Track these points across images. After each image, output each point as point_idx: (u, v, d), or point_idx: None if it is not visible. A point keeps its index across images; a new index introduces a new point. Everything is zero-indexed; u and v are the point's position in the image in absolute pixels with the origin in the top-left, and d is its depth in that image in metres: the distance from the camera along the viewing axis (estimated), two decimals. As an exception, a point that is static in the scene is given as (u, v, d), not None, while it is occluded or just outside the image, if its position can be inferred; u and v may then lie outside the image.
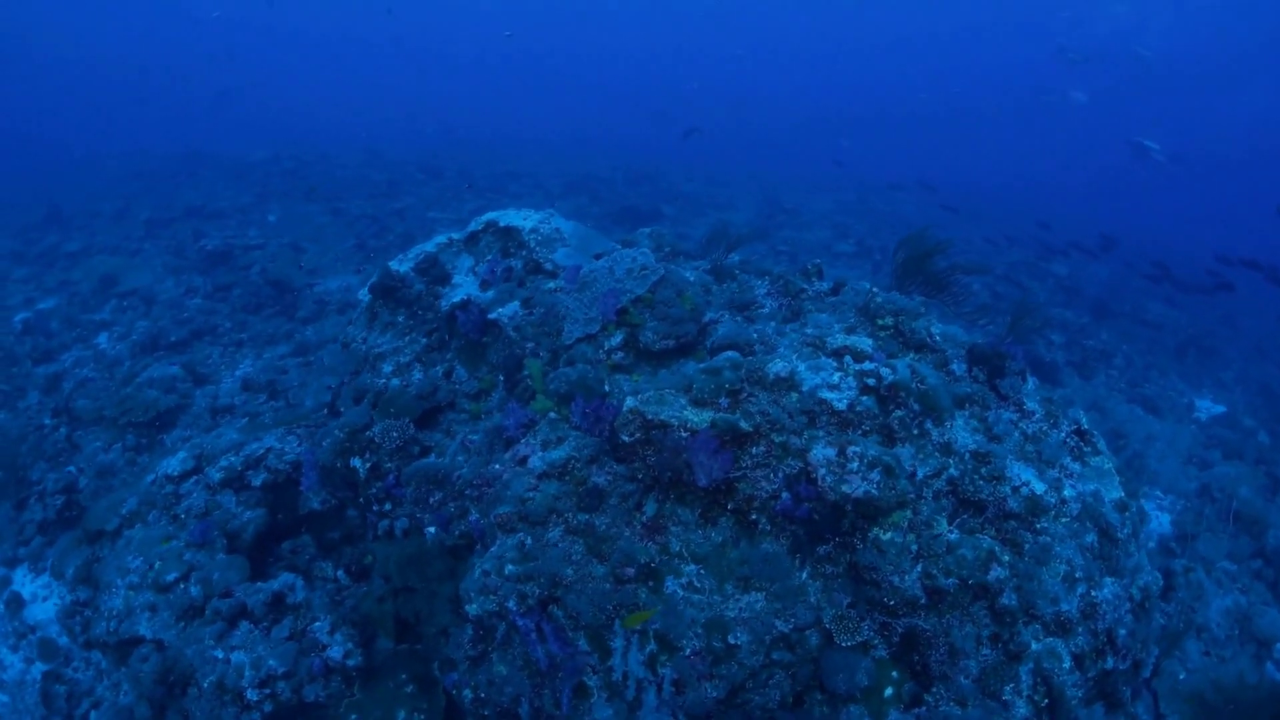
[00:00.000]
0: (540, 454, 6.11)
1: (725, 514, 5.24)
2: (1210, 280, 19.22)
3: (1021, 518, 5.05)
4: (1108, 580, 5.05)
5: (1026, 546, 4.92)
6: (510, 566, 5.66)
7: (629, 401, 5.33)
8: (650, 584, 5.12)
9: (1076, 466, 5.56)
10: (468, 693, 5.90)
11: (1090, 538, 5.14)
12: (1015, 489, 5.15)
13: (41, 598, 7.72)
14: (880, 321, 6.76)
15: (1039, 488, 5.17)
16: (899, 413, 5.48)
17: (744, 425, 5.14)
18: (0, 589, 7.86)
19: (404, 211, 23.81)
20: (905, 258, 8.48)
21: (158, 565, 6.96)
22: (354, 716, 6.46)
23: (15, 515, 8.38)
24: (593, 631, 5.23)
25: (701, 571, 5.09)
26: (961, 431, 5.62)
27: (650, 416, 5.15)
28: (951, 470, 5.29)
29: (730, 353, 5.81)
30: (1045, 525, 5.02)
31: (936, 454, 5.39)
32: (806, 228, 26.08)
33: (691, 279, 8.18)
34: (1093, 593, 4.91)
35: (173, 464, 8.10)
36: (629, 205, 26.55)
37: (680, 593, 5.03)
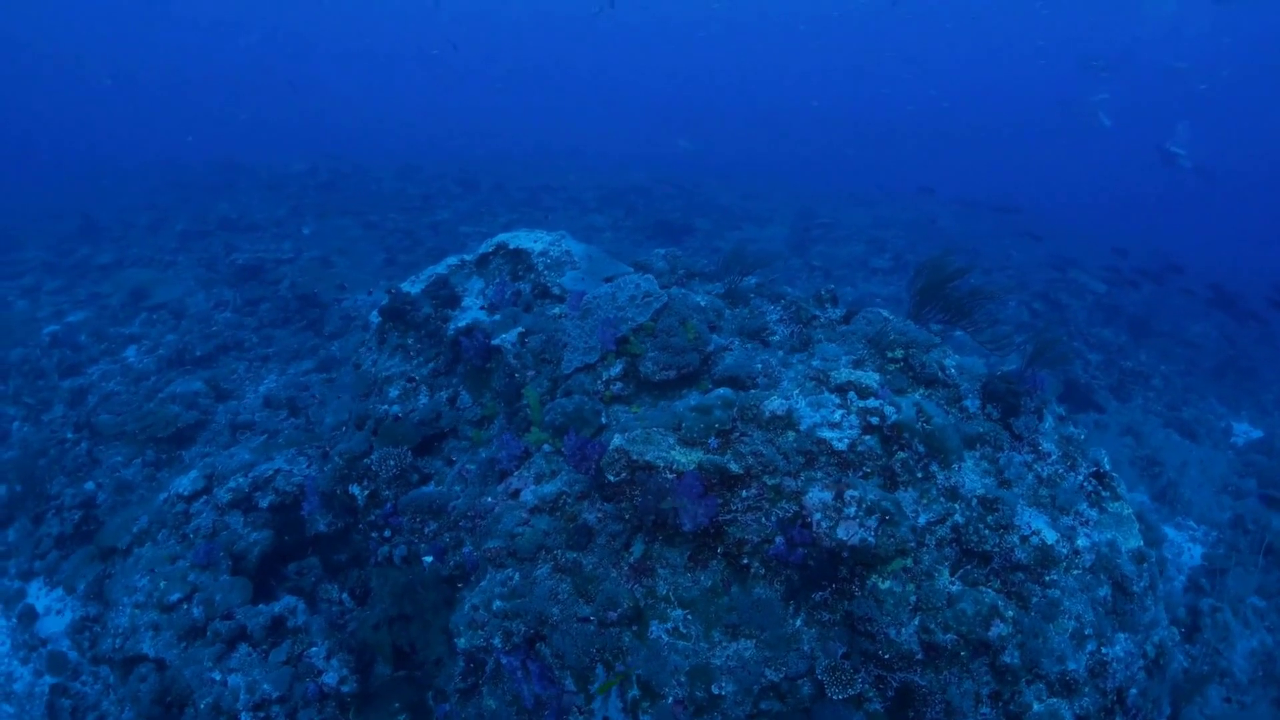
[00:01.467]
0: (533, 487, 5.99)
1: (716, 557, 5.05)
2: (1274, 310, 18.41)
3: (1030, 569, 4.77)
4: (1120, 636, 4.74)
5: (1034, 600, 4.64)
6: (498, 603, 5.55)
7: (616, 440, 5.18)
8: (635, 628, 4.95)
9: (1093, 513, 5.25)
10: (458, 725, 5.79)
11: (1104, 591, 4.84)
12: (1024, 538, 4.88)
13: (55, 611, 7.81)
14: (890, 354, 6.51)
15: (1050, 537, 4.88)
16: (902, 454, 5.24)
17: (733, 467, 4.95)
18: (14, 602, 7.98)
19: (437, 225, 23.96)
20: (924, 284, 8.21)
21: (163, 585, 6.98)
22: (346, 747, 6.40)
23: (32, 529, 8.52)
24: (578, 672, 5.08)
25: (688, 617, 4.91)
26: (970, 474, 5.35)
27: (635, 457, 4.99)
28: (957, 517, 5.03)
29: (723, 390, 5.63)
30: (1055, 578, 4.73)
31: (941, 499, 5.14)
32: (842, 242, 25.67)
33: (703, 303, 8.01)
34: (1103, 650, 4.62)
35: (184, 483, 8.16)
36: (663, 219, 26.42)
37: (665, 638, 4.86)
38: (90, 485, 8.97)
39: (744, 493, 4.97)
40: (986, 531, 4.87)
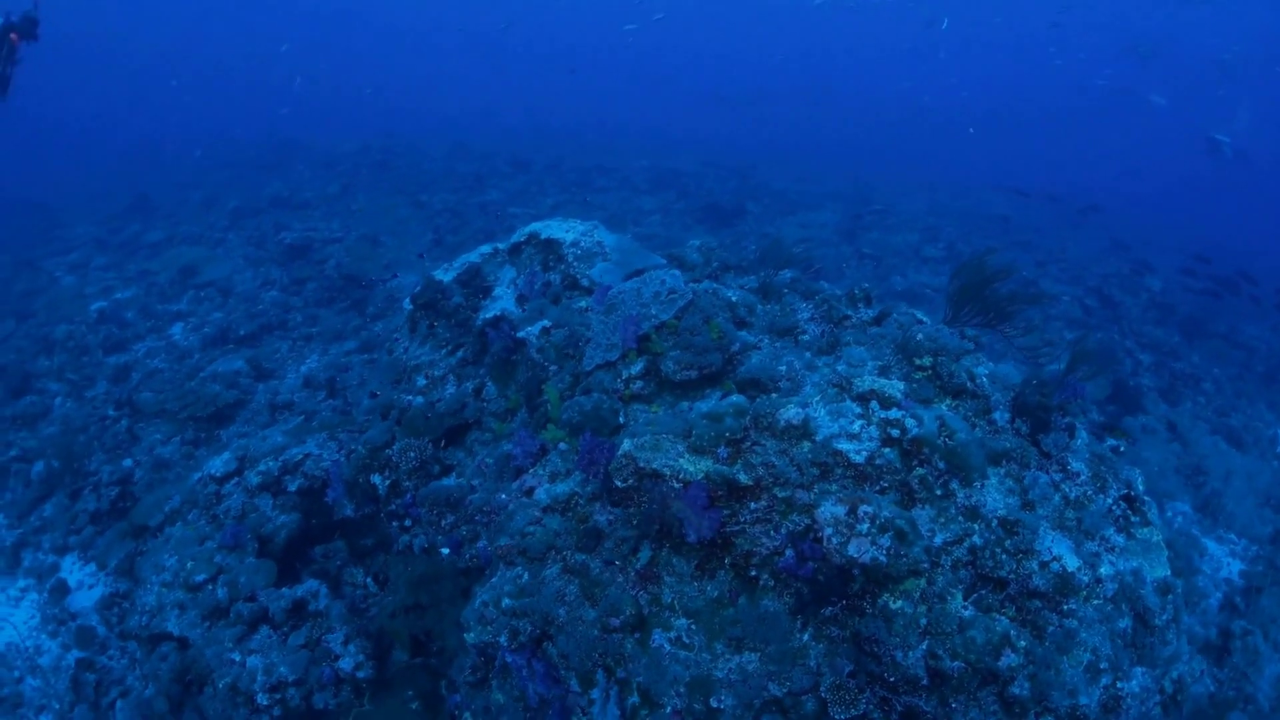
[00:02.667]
0: (547, 486, 5.97)
1: (723, 567, 4.98)
2: None
3: (1048, 597, 4.59)
4: (1137, 671, 4.54)
5: (1049, 630, 4.47)
6: (507, 600, 5.56)
7: (625, 445, 5.12)
8: (637, 635, 4.91)
9: (1120, 539, 5.03)
10: (467, 715, 5.85)
11: (1124, 623, 4.64)
12: (1044, 564, 4.69)
13: (87, 586, 8.11)
14: (918, 361, 6.31)
15: (1071, 564, 4.69)
16: (921, 470, 5.08)
17: (743, 478, 4.85)
18: (47, 576, 8.30)
19: (486, 206, 24.04)
20: (962, 285, 7.95)
21: (190, 565, 7.18)
22: (359, 730, 6.52)
23: (69, 505, 8.84)
24: (582, 675, 5.07)
25: (692, 627, 4.85)
26: (993, 493, 5.16)
27: (643, 464, 4.93)
28: (975, 538, 4.86)
29: (736, 397, 5.52)
30: (1073, 607, 4.54)
31: (960, 518, 4.97)
32: (895, 230, 25.09)
33: (734, 298, 7.88)
34: (1118, 684, 4.42)
35: (217, 465, 8.36)
36: (713, 203, 26.12)
37: (667, 647, 4.81)
38: (128, 462, 9.27)
39: (753, 504, 4.88)
40: (1004, 556, 4.70)
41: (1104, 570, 4.76)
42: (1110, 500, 5.28)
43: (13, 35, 10.30)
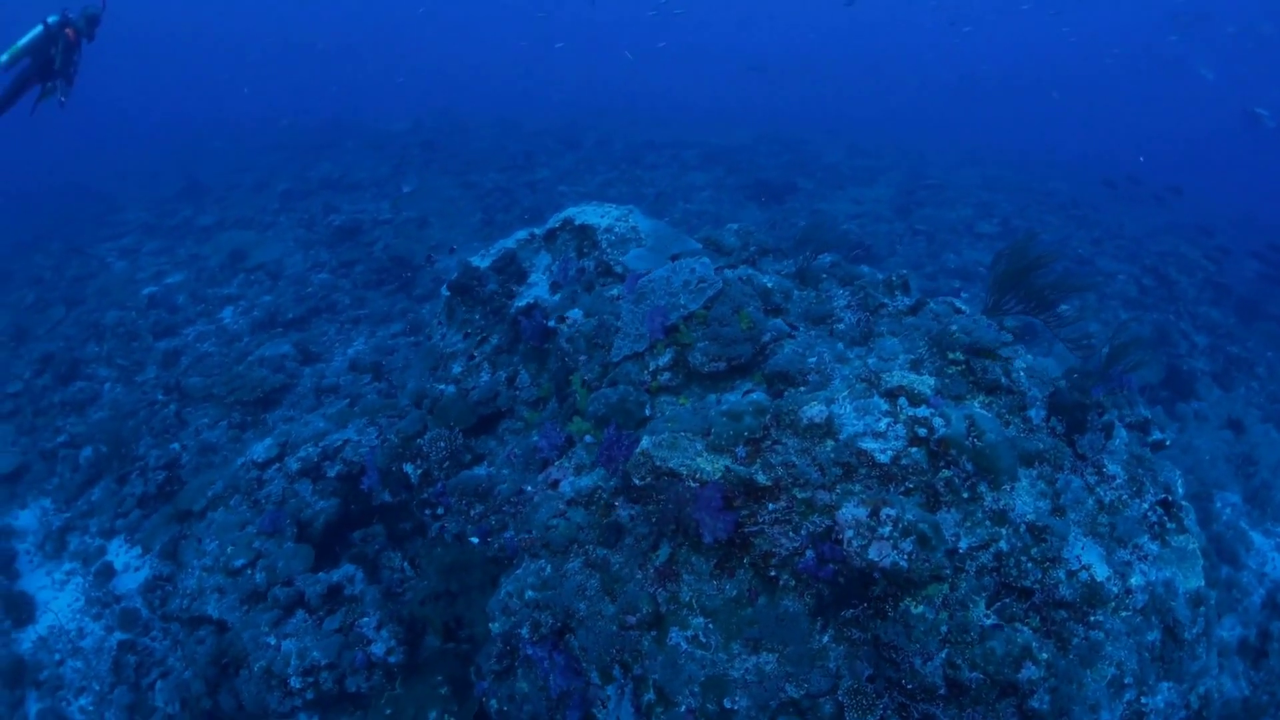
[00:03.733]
0: (571, 479, 6.01)
1: (742, 566, 4.95)
2: None
3: (1074, 607, 4.46)
4: (1164, 686, 4.39)
5: (1074, 642, 4.34)
6: (530, 593, 5.64)
7: (644, 442, 5.11)
8: (654, 633, 4.92)
9: (1154, 547, 4.85)
10: (494, 703, 5.96)
11: (1153, 636, 4.48)
12: (1072, 573, 4.55)
13: (133, 568, 8.43)
14: (951, 355, 6.15)
15: (1101, 573, 4.54)
16: (947, 472, 4.96)
17: (761, 478, 4.80)
18: (93, 559, 8.65)
19: (536, 184, 24.01)
20: (1004, 270, 7.69)
21: (230, 550, 7.43)
22: (389, 711, 6.69)
23: (117, 489, 9.19)
24: (602, 669, 5.12)
25: (710, 626, 4.84)
26: (1024, 496, 5.02)
27: (659, 463, 4.91)
28: (1002, 544, 4.73)
29: (758, 395, 5.45)
30: (1100, 619, 4.40)
31: (987, 523, 4.84)
32: (949, 205, 24.38)
33: (770, 285, 7.76)
34: (1143, 699, 4.29)
35: (259, 450, 8.60)
36: (765, 178, 25.71)
37: (684, 646, 4.82)
38: (176, 446, 9.59)
39: (771, 505, 4.83)
40: (1029, 564, 4.57)
41: (1134, 580, 4.60)
42: (1146, 505, 5.09)
43: (69, 31, 10.38)
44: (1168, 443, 6.40)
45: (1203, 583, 4.71)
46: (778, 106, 46.13)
